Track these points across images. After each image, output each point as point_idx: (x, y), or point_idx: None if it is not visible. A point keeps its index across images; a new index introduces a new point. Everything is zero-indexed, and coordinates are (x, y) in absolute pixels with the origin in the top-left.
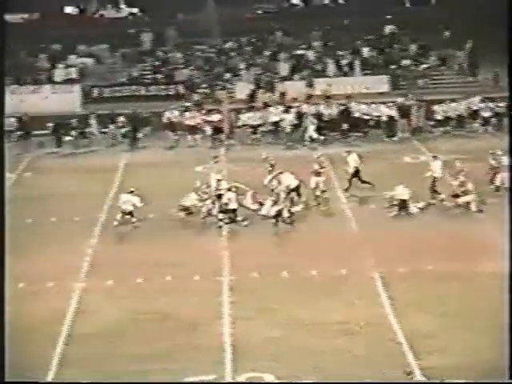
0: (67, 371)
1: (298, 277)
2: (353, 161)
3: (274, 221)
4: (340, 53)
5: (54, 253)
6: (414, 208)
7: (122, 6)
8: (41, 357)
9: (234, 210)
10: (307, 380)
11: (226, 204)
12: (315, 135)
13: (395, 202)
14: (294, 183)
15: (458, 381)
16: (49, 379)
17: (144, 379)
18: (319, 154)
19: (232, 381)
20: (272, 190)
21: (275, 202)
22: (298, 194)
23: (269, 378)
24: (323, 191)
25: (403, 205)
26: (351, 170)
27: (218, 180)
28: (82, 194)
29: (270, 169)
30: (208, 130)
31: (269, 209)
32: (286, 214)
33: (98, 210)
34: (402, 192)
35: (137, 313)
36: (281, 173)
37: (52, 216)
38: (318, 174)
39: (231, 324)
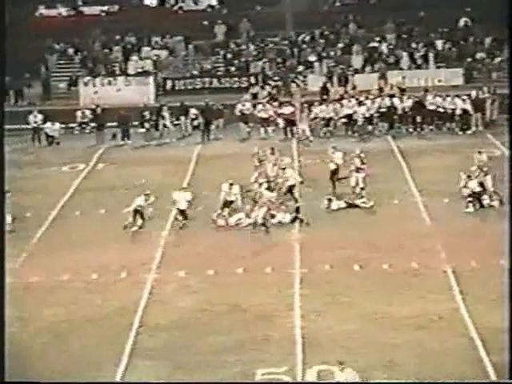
0: (139, 362)
1: (369, 270)
2: (337, 158)
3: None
4: (414, 45)
5: (126, 244)
6: (489, 201)
7: None
8: (113, 347)
9: (182, 211)
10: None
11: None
12: (308, 133)
13: (466, 195)
14: (292, 181)
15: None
16: (120, 369)
17: (216, 370)
18: (358, 150)
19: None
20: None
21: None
22: (291, 193)
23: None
24: (362, 188)
25: (476, 197)
26: (332, 167)
27: (231, 184)
28: (153, 185)
29: (258, 164)
30: (280, 122)
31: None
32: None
33: (169, 202)
34: (473, 185)
35: (209, 304)
36: (283, 169)
37: (124, 207)
38: (358, 170)
39: (303, 316)
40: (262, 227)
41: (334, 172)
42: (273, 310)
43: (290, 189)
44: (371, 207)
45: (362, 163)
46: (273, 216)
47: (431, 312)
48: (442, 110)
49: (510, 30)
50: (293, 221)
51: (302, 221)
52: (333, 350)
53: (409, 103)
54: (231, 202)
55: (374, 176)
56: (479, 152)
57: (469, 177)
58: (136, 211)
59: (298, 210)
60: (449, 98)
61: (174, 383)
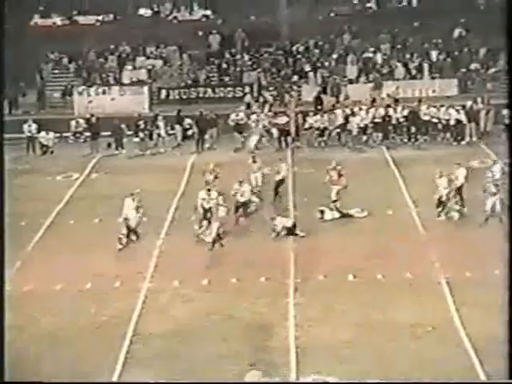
0: (133, 370)
1: (363, 280)
2: (283, 170)
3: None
4: (408, 56)
5: (120, 253)
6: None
7: (196, 7)
8: (107, 356)
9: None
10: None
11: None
12: (252, 145)
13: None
14: (245, 198)
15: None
16: (114, 378)
17: (210, 379)
18: (334, 163)
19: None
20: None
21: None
22: (245, 208)
23: (333, 381)
24: (334, 201)
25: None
26: (278, 178)
27: (208, 190)
28: (148, 194)
29: (211, 181)
30: (275, 132)
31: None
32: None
33: (164, 211)
34: (442, 182)
35: (203, 313)
36: (241, 182)
37: (118, 216)
38: (335, 183)
39: (297, 326)
40: (215, 244)
41: (279, 183)
42: (267, 320)
43: (244, 205)
44: (365, 217)
45: (340, 176)
46: (274, 229)
47: (425, 322)
48: (436, 121)
49: (509, 41)
50: (289, 233)
51: (296, 234)
52: (327, 359)
53: (403, 113)
54: (209, 209)
55: (368, 186)
56: (457, 164)
57: (440, 176)
58: (125, 220)
59: (294, 225)
60: (443, 109)
61: (173, 383)
